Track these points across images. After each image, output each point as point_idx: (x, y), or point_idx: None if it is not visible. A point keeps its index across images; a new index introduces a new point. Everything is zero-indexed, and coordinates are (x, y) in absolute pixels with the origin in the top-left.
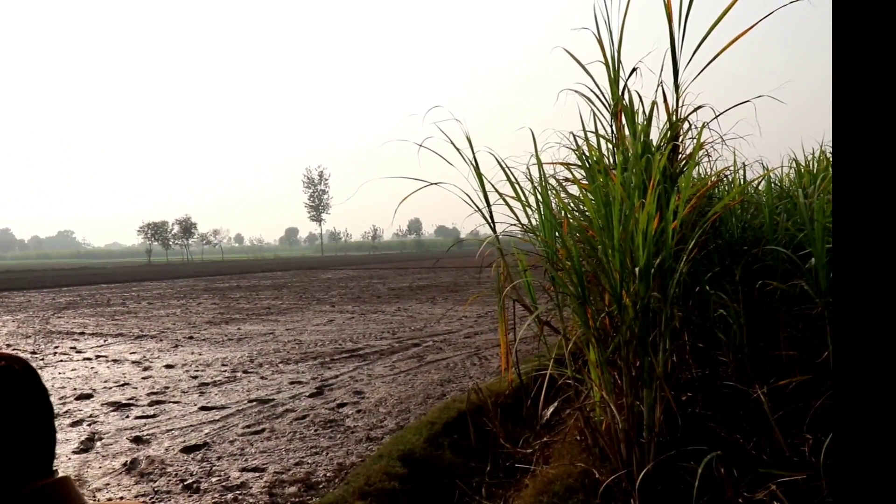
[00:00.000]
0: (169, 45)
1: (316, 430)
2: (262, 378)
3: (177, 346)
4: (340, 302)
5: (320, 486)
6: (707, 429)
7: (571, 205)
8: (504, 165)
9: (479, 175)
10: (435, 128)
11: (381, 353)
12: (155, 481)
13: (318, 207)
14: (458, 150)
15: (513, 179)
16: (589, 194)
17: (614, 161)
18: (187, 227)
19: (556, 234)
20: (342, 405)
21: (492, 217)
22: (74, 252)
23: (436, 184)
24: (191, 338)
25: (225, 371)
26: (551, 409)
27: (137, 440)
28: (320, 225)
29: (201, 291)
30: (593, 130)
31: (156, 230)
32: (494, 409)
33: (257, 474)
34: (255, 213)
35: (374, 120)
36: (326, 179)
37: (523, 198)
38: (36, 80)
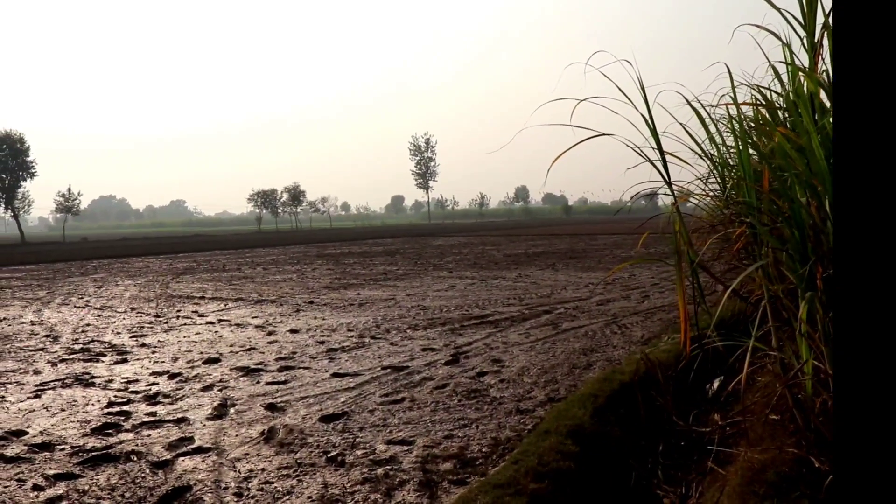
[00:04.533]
0: (273, 19)
1: (460, 401)
2: (391, 344)
3: (298, 310)
4: (457, 268)
5: (477, 463)
6: None
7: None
8: (698, 105)
9: (652, 122)
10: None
11: (512, 320)
12: (296, 452)
13: (424, 174)
14: (625, 94)
15: (707, 121)
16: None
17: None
18: (296, 195)
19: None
20: (482, 374)
21: (666, 169)
22: (186, 220)
23: (603, 134)
24: (311, 302)
25: (352, 336)
26: (717, 382)
27: (272, 407)
28: (427, 192)
29: (314, 257)
30: (786, 61)
31: (265, 198)
32: (666, 381)
33: (405, 448)
34: (362, 181)
35: (481, 82)
36: (433, 146)
37: (715, 143)
38: (148, 58)
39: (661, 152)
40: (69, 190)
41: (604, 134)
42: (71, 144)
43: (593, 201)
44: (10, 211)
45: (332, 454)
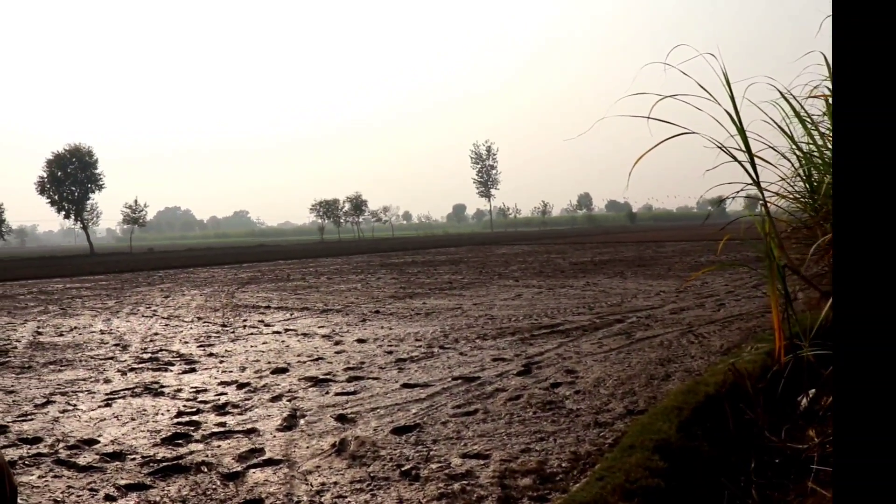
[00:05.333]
0: (333, 30)
1: (535, 413)
2: (461, 354)
3: (364, 320)
4: (523, 277)
5: (557, 479)
6: None
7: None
8: (792, 99)
9: (739, 119)
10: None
11: (584, 330)
12: (368, 465)
13: (486, 183)
14: (707, 91)
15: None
16: None
17: None
18: (358, 205)
19: None
20: (556, 385)
21: (755, 169)
22: (249, 231)
23: (687, 132)
24: (377, 312)
25: (420, 346)
26: (810, 395)
27: (342, 419)
28: (489, 201)
29: (378, 267)
30: None
31: (328, 208)
32: (755, 393)
33: (481, 462)
34: (423, 190)
35: (541, 86)
36: (494, 154)
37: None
38: (212, 71)
39: (749, 151)
40: (136, 201)
41: (688, 132)
42: (137, 156)
43: (658, 207)
44: (79, 222)
45: (405, 468)
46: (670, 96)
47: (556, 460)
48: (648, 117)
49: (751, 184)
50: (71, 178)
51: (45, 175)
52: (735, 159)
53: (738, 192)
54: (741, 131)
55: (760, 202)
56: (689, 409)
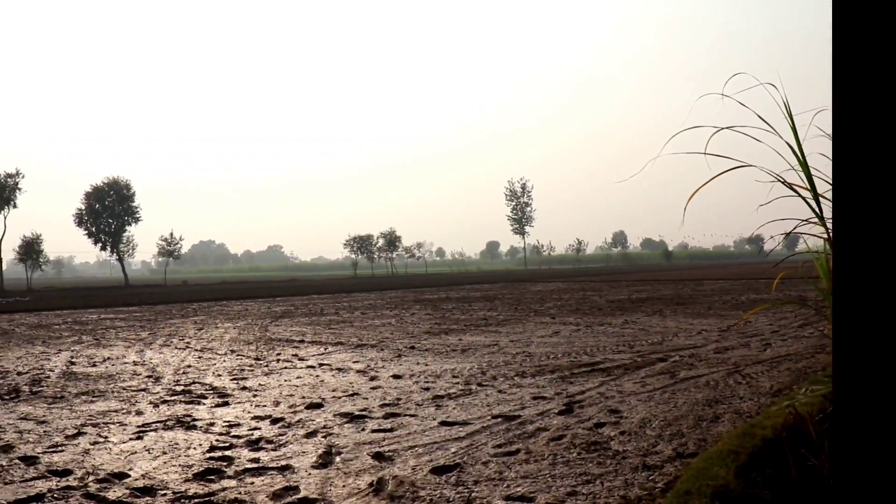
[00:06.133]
0: (367, 66)
1: (579, 454)
2: (499, 392)
3: (399, 355)
4: (560, 314)
5: None
6: None
7: None
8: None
9: (801, 152)
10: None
11: (625, 368)
12: None
13: (520, 220)
14: (767, 123)
15: None
16: None
17: None
18: (392, 241)
19: None
20: (600, 425)
21: (818, 202)
22: (283, 265)
23: (746, 165)
24: (412, 347)
25: (457, 383)
26: None
27: (379, 456)
28: (523, 238)
29: (412, 302)
30: None
31: (361, 243)
32: (819, 438)
33: None
34: (456, 226)
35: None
36: (529, 191)
37: None
38: (246, 107)
39: (812, 185)
40: (171, 234)
41: (745, 165)
42: (172, 189)
43: (694, 246)
44: (115, 254)
45: None
46: (727, 128)
47: None
48: (705, 153)
49: (809, 220)
50: (108, 210)
51: (84, 207)
52: (797, 194)
53: (795, 227)
54: (804, 164)
55: (822, 238)
56: (746, 453)
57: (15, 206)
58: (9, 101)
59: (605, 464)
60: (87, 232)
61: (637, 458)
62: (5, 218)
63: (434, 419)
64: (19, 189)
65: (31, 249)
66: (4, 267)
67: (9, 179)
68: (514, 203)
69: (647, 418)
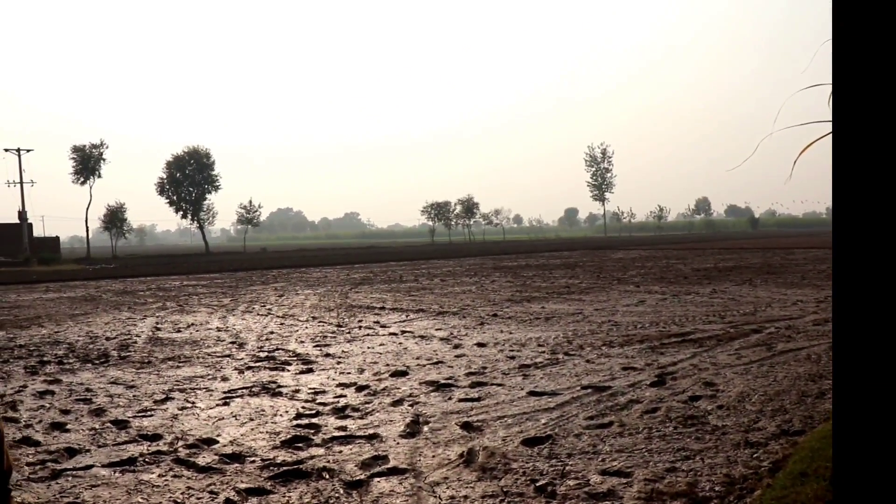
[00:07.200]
0: (443, 32)
1: (675, 428)
2: (587, 362)
3: (482, 323)
4: (644, 282)
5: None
6: None
7: None
8: None
9: None
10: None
11: (718, 339)
12: (500, 479)
13: (601, 186)
14: None
15: None
16: None
17: None
18: (469, 207)
19: None
20: (696, 398)
21: None
22: (359, 232)
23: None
24: (495, 315)
25: (543, 352)
26: None
27: (468, 426)
28: (603, 204)
29: (491, 269)
30: None
31: (439, 210)
32: None
33: (623, 480)
34: (534, 193)
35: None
36: (610, 157)
37: None
38: (324, 73)
39: None
40: (250, 202)
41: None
42: (250, 157)
43: (783, 213)
44: (195, 222)
45: (540, 483)
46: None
47: (707, 482)
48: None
49: None
50: (189, 179)
51: (165, 176)
52: None
53: None
54: None
55: None
56: None
57: (100, 177)
58: (93, 73)
59: (703, 439)
60: (168, 200)
61: (738, 434)
62: (91, 188)
63: (522, 389)
64: (104, 159)
65: (115, 218)
66: (91, 235)
67: (94, 150)
68: (594, 168)
69: (746, 392)
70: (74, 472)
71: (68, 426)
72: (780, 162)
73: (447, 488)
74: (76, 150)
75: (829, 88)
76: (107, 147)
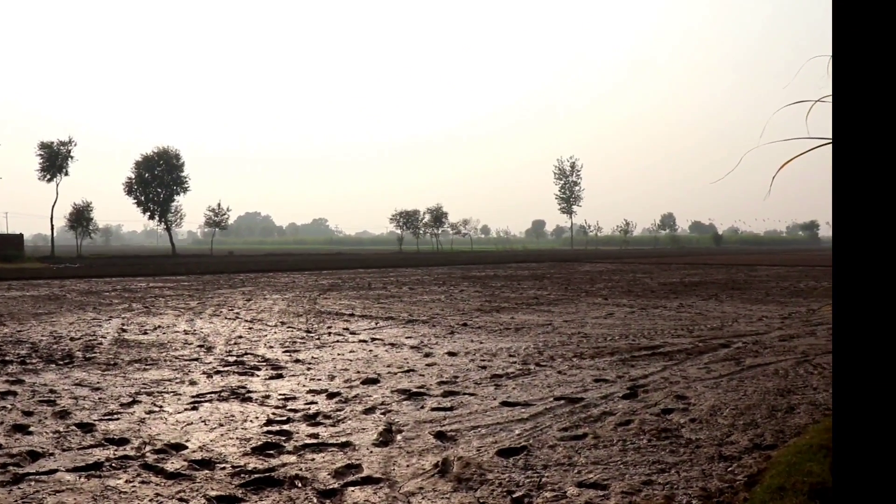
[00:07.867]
0: (415, 43)
1: (650, 441)
2: (559, 373)
3: (452, 332)
4: (612, 295)
5: None
6: None
7: None
8: None
9: None
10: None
11: (687, 353)
12: (475, 490)
13: (568, 199)
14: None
15: None
16: None
17: None
18: (438, 216)
19: None
20: (668, 411)
21: None
22: (328, 238)
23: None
24: (465, 325)
25: (515, 362)
26: None
27: (441, 436)
28: (570, 217)
29: (459, 279)
30: None
31: (407, 218)
32: None
33: (600, 493)
34: (502, 204)
35: (625, 105)
36: (579, 171)
37: None
38: (295, 79)
39: None
40: (219, 205)
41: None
42: (219, 160)
43: (745, 231)
44: (163, 223)
45: (517, 494)
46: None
47: (684, 496)
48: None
49: None
50: (157, 179)
51: (133, 176)
52: None
53: None
54: None
55: None
56: None
57: (67, 174)
58: (62, 70)
59: (678, 452)
60: (136, 201)
61: (711, 447)
62: (57, 185)
63: (494, 399)
64: (71, 157)
65: (81, 217)
66: (55, 233)
67: (61, 147)
68: (562, 182)
69: (717, 406)
70: (38, 477)
71: (31, 428)
72: (744, 180)
73: (423, 499)
74: (44, 146)
75: (808, 105)
76: (75, 144)
